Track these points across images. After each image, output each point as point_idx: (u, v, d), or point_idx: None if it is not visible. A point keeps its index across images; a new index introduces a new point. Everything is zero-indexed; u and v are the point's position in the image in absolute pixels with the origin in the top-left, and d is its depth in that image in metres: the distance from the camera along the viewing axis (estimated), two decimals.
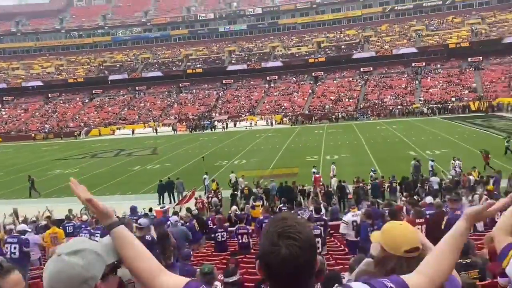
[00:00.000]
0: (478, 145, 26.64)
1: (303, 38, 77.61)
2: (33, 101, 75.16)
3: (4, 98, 75.57)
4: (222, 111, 64.68)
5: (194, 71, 74.62)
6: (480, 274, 4.16)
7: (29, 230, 9.48)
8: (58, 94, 76.30)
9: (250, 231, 10.22)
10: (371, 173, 19.80)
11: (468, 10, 71.23)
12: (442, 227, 6.12)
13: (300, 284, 1.34)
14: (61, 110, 71.29)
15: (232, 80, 74.13)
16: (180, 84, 75.19)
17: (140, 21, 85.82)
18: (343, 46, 71.97)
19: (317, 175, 20.37)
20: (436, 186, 16.63)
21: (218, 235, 10.27)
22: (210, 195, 18.79)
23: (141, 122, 62.96)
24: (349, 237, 9.26)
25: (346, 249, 9.29)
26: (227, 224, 12.61)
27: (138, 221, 7.08)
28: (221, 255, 9.62)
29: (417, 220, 6.74)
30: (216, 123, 57.96)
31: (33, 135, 60.86)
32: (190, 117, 62.95)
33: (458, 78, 60.48)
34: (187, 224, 11.32)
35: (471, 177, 16.86)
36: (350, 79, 67.74)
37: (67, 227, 11.36)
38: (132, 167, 30.89)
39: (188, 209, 13.72)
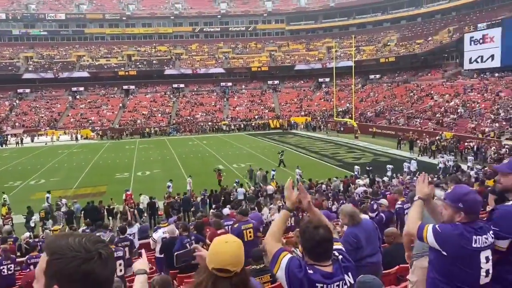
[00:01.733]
0: (276, 158, 29.74)
1: (112, 50, 74.51)
2: None
3: None
4: (16, 124, 56.69)
5: None
6: (272, 278, 4.48)
7: None
8: None
9: None
10: (234, 183, 20.09)
11: (267, 38, 79.94)
12: None
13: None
14: None
15: (29, 90, 66.00)
16: None
17: None
18: (154, 61, 71.84)
19: (128, 192, 19.51)
20: (241, 197, 17.75)
21: (3, 268, 8.75)
22: None
23: None
24: (157, 254, 9.00)
25: (153, 267, 8.99)
26: (18, 254, 10.90)
27: None
28: None
29: (219, 231, 6.95)
30: (9, 137, 50.34)
31: None
32: None
33: (260, 99, 66.94)
34: None
35: (269, 187, 18.59)
36: (163, 94, 68.03)
37: None
38: None
39: None
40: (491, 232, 2.60)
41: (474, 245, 2.50)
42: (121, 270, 6.41)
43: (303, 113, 60.56)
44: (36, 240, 11.82)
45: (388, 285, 4.69)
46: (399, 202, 9.52)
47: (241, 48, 76.88)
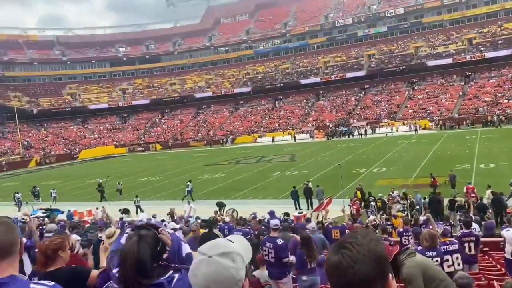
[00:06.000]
0: None
1: (451, 36, 71.16)
2: (187, 113, 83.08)
3: (164, 110, 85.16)
4: (361, 117, 62.85)
5: (331, 78, 73.82)
6: None
7: (178, 227, 10.54)
8: (207, 105, 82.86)
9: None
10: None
11: None
12: None
13: None
14: (210, 120, 77.45)
15: (368, 85, 71.54)
16: (320, 91, 74.87)
17: (280, 32, 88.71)
18: (500, 41, 63.84)
19: (469, 186, 18.39)
20: None
21: None
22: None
23: (281, 130, 64.83)
24: (507, 255, 8.16)
25: (502, 269, 8.19)
26: None
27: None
28: None
29: None
30: (353, 129, 56.44)
31: (189, 143, 67.85)
32: (327, 124, 62.70)
33: None
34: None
35: None
36: None
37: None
38: (272, 173, 31.98)
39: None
40: None
41: None
42: (459, 264, 6.11)
43: None
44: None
45: None
46: None
47: None
